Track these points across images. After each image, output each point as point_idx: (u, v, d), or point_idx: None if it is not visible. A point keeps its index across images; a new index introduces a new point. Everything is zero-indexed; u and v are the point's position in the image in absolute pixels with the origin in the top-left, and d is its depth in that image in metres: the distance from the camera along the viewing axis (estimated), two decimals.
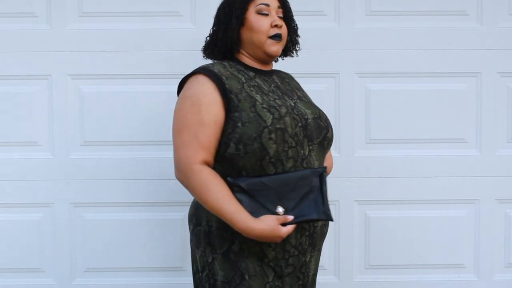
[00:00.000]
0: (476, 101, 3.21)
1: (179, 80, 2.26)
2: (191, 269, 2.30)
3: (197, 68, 2.21)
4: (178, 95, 2.24)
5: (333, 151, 3.15)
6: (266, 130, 2.11)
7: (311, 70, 3.15)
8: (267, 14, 2.27)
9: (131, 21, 3.14)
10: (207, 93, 2.13)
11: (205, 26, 3.10)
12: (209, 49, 2.34)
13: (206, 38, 2.38)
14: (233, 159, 2.13)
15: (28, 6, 3.13)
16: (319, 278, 3.21)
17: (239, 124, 2.12)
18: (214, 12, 3.12)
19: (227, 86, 2.15)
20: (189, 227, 2.28)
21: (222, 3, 2.35)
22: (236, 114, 2.12)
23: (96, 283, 3.20)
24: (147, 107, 3.15)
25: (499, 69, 3.19)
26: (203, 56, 2.40)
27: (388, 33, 3.16)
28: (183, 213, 3.16)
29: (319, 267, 3.24)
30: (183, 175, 2.13)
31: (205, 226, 2.20)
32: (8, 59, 3.13)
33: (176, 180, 2.18)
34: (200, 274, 2.22)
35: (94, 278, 3.20)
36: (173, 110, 2.19)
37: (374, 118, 3.18)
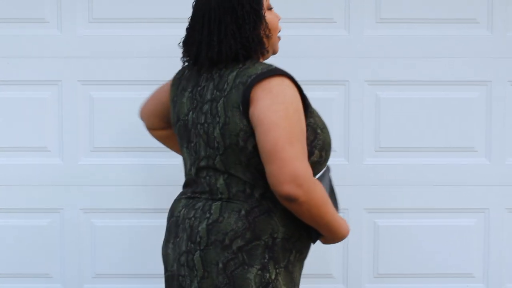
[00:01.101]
0: (486, 110, 3.19)
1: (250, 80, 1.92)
2: None
3: (273, 69, 1.92)
4: (248, 91, 1.89)
5: (342, 158, 3.15)
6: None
7: (321, 78, 3.14)
8: (272, 8, 2.09)
9: (142, 27, 3.14)
10: (299, 99, 1.92)
11: None
12: (234, 54, 1.96)
13: (214, 43, 1.98)
14: (314, 167, 1.97)
15: (39, 12, 3.14)
16: (327, 286, 3.21)
17: (319, 131, 1.99)
18: None
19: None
20: (231, 246, 1.94)
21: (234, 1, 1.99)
22: (312, 120, 1.98)
23: None
24: None
25: (510, 78, 3.18)
26: (211, 63, 2.01)
27: (398, 41, 3.15)
28: None
29: (327, 275, 3.25)
30: (303, 190, 1.84)
31: (267, 239, 1.95)
32: (18, 64, 3.14)
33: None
34: None
35: (102, 285, 3.20)
36: (260, 115, 1.88)
37: (384, 126, 3.17)
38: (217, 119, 1.94)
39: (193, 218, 2.01)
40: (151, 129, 2.46)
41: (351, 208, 3.17)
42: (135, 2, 3.14)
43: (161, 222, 3.16)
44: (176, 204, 2.15)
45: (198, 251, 1.96)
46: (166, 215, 3.15)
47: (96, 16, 3.14)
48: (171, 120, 2.21)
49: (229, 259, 1.93)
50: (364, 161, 3.18)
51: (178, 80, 2.20)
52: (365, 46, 3.16)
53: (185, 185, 2.17)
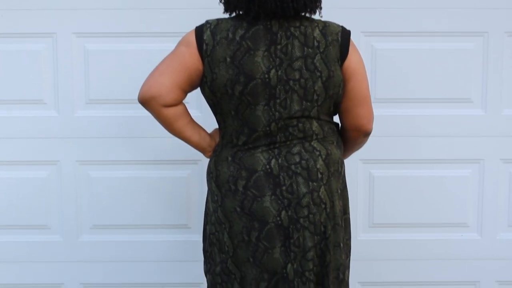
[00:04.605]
0: (483, 61, 3.18)
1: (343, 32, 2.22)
2: (343, 215, 2.33)
3: (343, 26, 2.25)
4: (345, 47, 2.20)
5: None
6: None
7: None
8: None
9: None
10: None
11: None
12: (313, 7, 2.21)
13: None
14: None
15: None
16: None
17: None
18: None
19: None
20: (341, 172, 2.30)
21: None
22: None
23: (102, 240, 3.24)
24: (152, 65, 3.11)
25: (507, 28, 3.15)
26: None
27: None
28: (189, 171, 3.19)
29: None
30: None
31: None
32: (12, 16, 3.11)
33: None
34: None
35: (99, 235, 3.24)
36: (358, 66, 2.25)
37: (380, 77, 3.17)
38: (317, 73, 2.16)
39: (303, 161, 2.20)
40: (168, 105, 2.24)
41: (347, 159, 3.17)
42: None
43: (158, 174, 3.20)
44: (252, 160, 2.21)
45: (323, 186, 2.21)
46: (162, 166, 3.19)
47: None
48: (215, 82, 2.19)
49: (342, 184, 2.31)
50: None
51: (227, 40, 2.17)
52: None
53: (254, 140, 2.20)
